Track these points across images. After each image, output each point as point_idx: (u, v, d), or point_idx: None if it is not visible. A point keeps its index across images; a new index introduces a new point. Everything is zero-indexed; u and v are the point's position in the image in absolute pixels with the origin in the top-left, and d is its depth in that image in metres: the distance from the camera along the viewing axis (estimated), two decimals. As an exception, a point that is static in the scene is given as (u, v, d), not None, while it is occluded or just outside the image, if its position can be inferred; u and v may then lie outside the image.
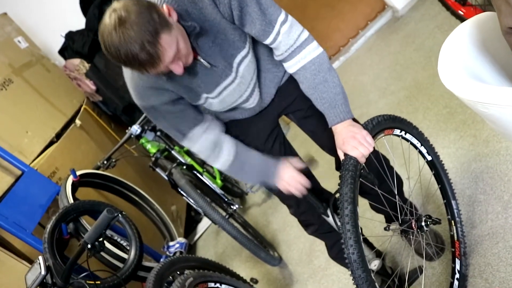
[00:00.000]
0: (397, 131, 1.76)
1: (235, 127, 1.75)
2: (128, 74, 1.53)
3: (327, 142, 1.68)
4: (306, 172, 1.74)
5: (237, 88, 1.59)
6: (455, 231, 1.87)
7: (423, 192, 2.21)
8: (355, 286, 1.41)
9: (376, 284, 1.41)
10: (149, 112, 1.60)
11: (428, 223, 1.70)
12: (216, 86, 1.56)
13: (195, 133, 1.63)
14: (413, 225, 1.69)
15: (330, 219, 1.79)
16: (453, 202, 1.91)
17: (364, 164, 1.56)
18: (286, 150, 1.85)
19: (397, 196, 1.74)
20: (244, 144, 1.71)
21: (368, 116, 1.82)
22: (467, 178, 2.18)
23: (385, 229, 1.77)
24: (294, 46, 1.53)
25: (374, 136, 1.59)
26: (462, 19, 2.95)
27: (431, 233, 1.97)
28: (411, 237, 1.76)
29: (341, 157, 1.55)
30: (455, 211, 1.91)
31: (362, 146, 1.50)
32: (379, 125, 1.64)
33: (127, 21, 1.25)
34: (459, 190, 2.13)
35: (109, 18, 1.28)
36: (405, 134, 1.79)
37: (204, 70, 1.52)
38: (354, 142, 1.50)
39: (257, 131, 1.77)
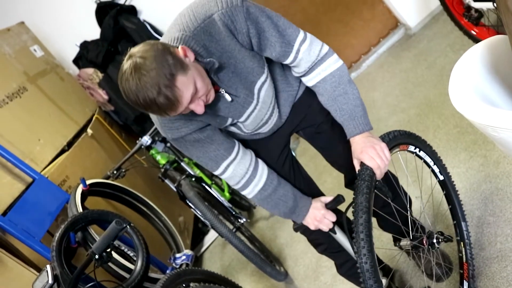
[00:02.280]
0: (411, 148, 1.76)
1: (248, 145, 1.76)
2: None
3: (338, 159, 1.69)
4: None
5: (259, 113, 1.62)
6: (464, 252, 1.86)
7: (434, 211, 2.20)
8: None
9: None
10: (179, 144, 1.59)
11: (440, 240, 1.70)
12: (242, 114, 1.58)
13: (229, 160, 1.63)
14: (424, 242, 1.69)
15: (337, 237, 1.78)
16: (463, 224, 1.90)
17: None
18: (295, 168, 1.86)
19: (409, 211, 1.74)
20: (276, 175, 1.71)
21: (378, 133, 1.82)
22: (476, 199, 2.17)
23: (395, 245, 1.76)
24: (316, 61, 1.56)
25: (390, 150, 1.59)
26: (474, 39, 2.95)
27: (439, 253, 1.96)
28: (421, 254, 1.76)
29: (357, 166, 1.55)
30: (465, 232, 1.90)
31: (379, 158, 1.50)
32: (395, 139, 1.65)
33: (142, 67, 1.27)
34: (468, 211, 2.12)
35: (126, 64, 1.30)
36: (419, 151, 1.80)
37: (226, 102, 1.53)
38: (372, 153, 1.50)
39: (269, 149, 1.78)
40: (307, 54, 1.53)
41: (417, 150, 1.78)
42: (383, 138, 1.62)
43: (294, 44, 1.50)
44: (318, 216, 1.68)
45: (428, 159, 1.84)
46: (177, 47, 1.36)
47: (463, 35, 3.03)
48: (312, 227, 1.71)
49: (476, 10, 2.75)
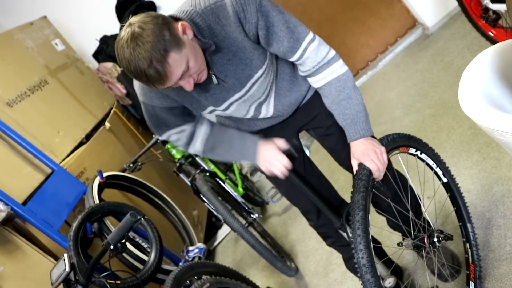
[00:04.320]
0: (412, 150, 1.81)
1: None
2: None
3: (345, 160, 1.71)
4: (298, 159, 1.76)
5: (242, 104, 1.65)
6: (470, 253, 1.87)
7: (442, 212, 2.21)
8: None
9: None
10: (145, 108, 1.65)
11: (440, 238, 1.72)
12: (224, 101, 1.61)
13: (173, 131, 1.70)
14: (425, 241, 1.72)
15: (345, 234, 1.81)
16: (468, 225, 1.92)
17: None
18: (306, 164, 1.89)
19: (410, 212, 1.76)
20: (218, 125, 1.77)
21: (392, 132, 1.86)
22: (487, 201, 2.17)
23: (398, 244, 1.79)
24: (322, 63, 1.58)
25: (389, 152, 1.65)
26: (492, 40, 2.94)
27: (447, 253, 1.98)
28: (424, 253, 1.78)
29: (355, 167, 1.60)
30: (471, 234, 1.91)
31: (379, 161, 1.56)
32: (394, 142, 1.70)
33: (138, 38, 1.31)
34: (478, 212, 2.13)
35: (124, 31, 1.34)
36: (421, 154, 1.84)
37: (212, 84, 1.56)
38: (373, 155, 1.56)
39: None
40: (314, 54, 1.56)
41: (418, 152, 1.82)
42: (381, 140, 1.66)
43: (302, 42, 1.53)
44: (269, 157, 1.64)
45: (430, 162, 1.87)
46: (178, 23, 1.39)
47: (481, 36, 3.02)
48: (264, 170, 1.68)
49: (494, 12, 2.74)
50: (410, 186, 1.90)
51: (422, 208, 1.86)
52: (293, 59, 1.57)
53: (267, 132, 1.79)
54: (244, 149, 1.68)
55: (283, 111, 1.74)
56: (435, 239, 1.71)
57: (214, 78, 1.53)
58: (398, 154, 1.75)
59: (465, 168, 2.43)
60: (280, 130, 1.78)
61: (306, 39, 1.53)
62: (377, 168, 1.56)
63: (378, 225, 2.15)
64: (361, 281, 1.42)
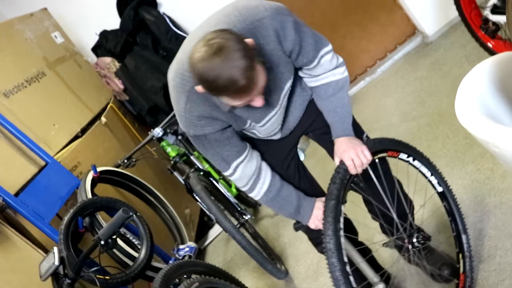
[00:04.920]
0: (403, 156, 1.83)
1: (259, 144, 1.78)
2: (180, 104, 1.51)
3: None
4: None
5: (277, 119, 1.69)
6: (462, 264, 1.88)
7: (436, 221, 2.22)
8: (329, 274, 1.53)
9: (349, 276, 1.51)
10: (199, 141, 1.61)
11: (419, 239, 1.78)
12: (264, 118, 1.64)
13: (239, 161, 1.65)
14: (405, 240, 1.77)
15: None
16: (463, 236, 1.92)
17: (360, 175, 1.72)
18: (300, 169, 1.90)
19: (393, 212, 1.79)
20: (279, 177, 1.74)
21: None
22: (480, 212, 2.18)
23: (383, 244, 1.86)
24: (330, 69, 1.66)
25: (374, 153, 1.73)
26: (490, 51, 2.95)
27: (437, 256, 2.00)
28: (407, 254, 1.82)
29: (336, 162, 1.71)
30: (465, 245, 1.91)
31: (357, 158, 1.66)
32: (381, 144, 1.77)
33: (226, 49, 1.28)
34: (470, 222, 2.13)
35: (206, 47, 1.30)
36: (413, 160, 1.86)
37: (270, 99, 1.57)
38: (353, 153, 1.66)
39: (277, 149, 1.81)
40: (328, 64, 1.63)
41: (410, 159, 1.85)
42: (366, 141, 1.75)
43: (320, 52, 1.60)
44: (319, 216, 1.71)
45: (424, 170, 1.89)
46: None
47: (479, 46, 3.03)
48: (312, 226, 1.75)
49: (494, 23, 2.75)
50: (401, 190, 1.92)
51: (407, 210, 1.88)
52: (308, 67, 1.63)
53: (273, 141, 1.80)
54: (300, 212, 1.73)
55: (296, 118, 1.78)
56: (415, 239, 1.77)
57: None
58: (388, 157, 1.82)
59: (459, 178, 2.43)
60: (286, 140, 1.82)
61: (325, 49, 1.61)
62: (354, 166, 1.65)
63: (369, 232, 2.15)
64: (327, 264, 1.52)
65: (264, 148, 1.78)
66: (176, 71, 1.50)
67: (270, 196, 1.71)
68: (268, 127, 1.68)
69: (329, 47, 1.63)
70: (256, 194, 1.71)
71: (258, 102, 1.42)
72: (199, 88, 1.38)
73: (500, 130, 1.15)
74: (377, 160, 1.76)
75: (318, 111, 1.77)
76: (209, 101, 1.49)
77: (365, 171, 1.74)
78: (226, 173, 1.68)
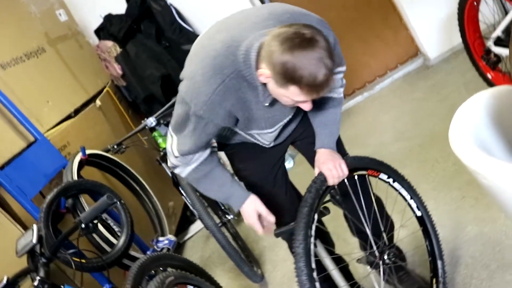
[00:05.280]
0: (384, 176, 1.86)
1: (250, 148, 1.78)
2: (212, 83, 1.44)
3: None
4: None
5: (284, 127, 1.71)
6: (435, 288, 1.89)
7: (413, 243, 2.23)
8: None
9: (315, 282, 1.54)
10: (197, 122, 1.51)
11: (391, 255, 1.81)
12: (277, 123, 1.65)
13: (197, 154, 1.61)
14: (377, 256, 1.80)
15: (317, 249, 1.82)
16: (438, 262, 1.93)
17: (336, 187, 1.76)
18: (286, 176, 1.93)
19: (367, 229, 1.81)
20: (217, 158, 1.73)
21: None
22: (460, 239, 2.20)
23: (357, 260, 1.87)
24: (335, 87, 1.69)
25: (354, 170, 1.77)
26: (489, 82, 2.98)
27: (411, 278, 2.01)
28: (378, 269, 1.83)
29: (316, 173, 1.74)
30: (439, 270, 1.92)
31: (335, 169, 1.69)
32: (361, 162, 1.81)
33: (318, 42, 1.30)
34: (449, 248, 2.15)
35: (296, 35, 1.30)
36: (393, 182, 1.88)
37: (277, 107, 1.56)
38: (330, 164, 1.70)
39: (268, 155, 1.82)
40: (337, 81, 1.68)
41: (390, 180, 1.88)
42: (346, 157, 1.81)
43: (338, 68, 1.64)
44: (248, 209, 1.66)
45: (404, 193, 1.91)
46: None
47: (479, 76, 3.05)
48: (244, 219, 1.71)
49: (495, 55, 2.78)
50: (380, 208, 1.93)
51: (381, 228, 1.89)
52: None
53: (266, 149, 1.80)
54: (231, 198, 1.68)
55: (291, 130, 1.81)
56: (386, 256, 1.80)
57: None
58: (367, 176, 1.85)
59: (444, 203, 2.45)
60: (277, 148, 1.82)
61: (341, 69, 1.67)
62: (332, 176, 1.69)
63: (350, 246, 2.16)
64: (294, 269, 1.55)
65: (256, 154, 1.78)
66: (225, 51, 1.43)
67: (202, 174, 1.65)
68: (274, 134, 1.70)
69: (344, 68, 1.68)
70: (181, 171, 1.66)
71: (308, 106, 1.44)
72: (265, 73, 1.36)
73: (490, 162, 1.16)
74: (356, 177, 1.79)
75: (309, 122, 1.80)
76: (238, 94, 1.47)
77: (344, 186, 1.77)
78: (177, 154, 1.61)
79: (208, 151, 1.63)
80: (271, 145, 1.78)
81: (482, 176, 1.19)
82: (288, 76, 1.31)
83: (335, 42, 1.56)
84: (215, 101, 1.44)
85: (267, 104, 1.51)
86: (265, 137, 1.71)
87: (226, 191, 1.67)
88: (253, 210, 1.66)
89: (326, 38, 1.33)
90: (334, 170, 1.69)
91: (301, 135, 1.85)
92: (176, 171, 1.68)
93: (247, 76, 1.43)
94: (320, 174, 1.72)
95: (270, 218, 1.67)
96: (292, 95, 1.37)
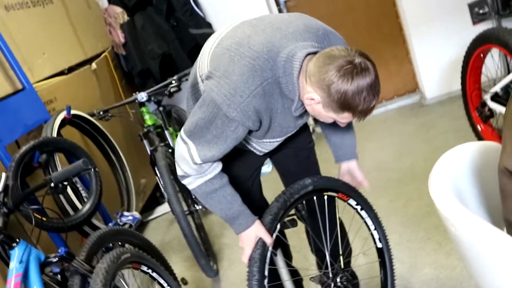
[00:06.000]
0: (352, 202, 1.89)
1: (236, 154, 1.72)
2: (251, 85, 1.39)
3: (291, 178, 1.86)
4: None
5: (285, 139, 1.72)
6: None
7: (370, 272, 2.25)
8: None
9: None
10: (227, 126, 1.43)
11: (343, 279, 1.83)
12: (288, 134, 1.66)
13: (213, 167, 1.54)
14: (330, 277, 1.83)
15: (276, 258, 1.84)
16: None
17: (304, 202, 1.80)
18: (260, 185, 1.94)
19: (326, 249, 1.84)
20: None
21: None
22: (416, 278, 2.23)
23: (310, 277, 1.90)
24: None
25: (324, 190, 1.80)
26: (478, 134, 3.03)
27: None
28: None
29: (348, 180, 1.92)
30: (388, 304, 1.95)
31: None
32: (333, 183, 1.84)
33: (375, 76, 1.34)
34: (403, 285, 2.19)
35: (352, 65, 1.31)
36: (361, 210, 1.92)
37: (294, 120, 1.57)
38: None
39: (252, 162, 1.82)
40: None
41: (358, 207, 1.91)
42: (321, 177, 1.82)
43: None
44: (252, 241, 1.62)
45: (369, 222, 1.94)
46: None
47: (469, 126, 3.10)
48: (240, 244, 1.68)
49: (490, 109, 2.82)
50: (342, 232, 1.97)
51: (340, 251, 1.91)
52: None
53: (253, 155, 1.77)
54: (236, 220, 1.61)
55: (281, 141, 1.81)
56: (339, 279, 1.82)
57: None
58: (337, 199, 1.89)
59: (408, 241, 2.48)
60: (262, 156, 1.80)
61: None
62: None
63: (307, 263, 2.17)
64: (247, 272, 1.57)
65: (242, 159, 1.76)
66: (265, 54, 1.40)
67: (212, 188, 1.56)
68: (279, 143, 1.70)
69: None
70: (189, 182, 1.58)
71: (344, 123, 1.47)
72: (316, 98, 1.36)
73: (463, 212, 1.18)
74: (325, 197, 1.81)
75: (296, 133, 1.78)
76: (269, 100, 1.44)
77: (312, 203, 1.79)
78: (199, 166, 1.51)
79: (221, 164, 1.57)
80: (262, 153, 1.75)
81: (451, 223, 1.20)
82: (345, 104, 1.33)
83: None
84: (250, 103, 1.40)
85: (296, 115, 1.52)
86: (267, 146, 1.69)
87: (235, 210, 1.59)
88: (255, 236, 1.60)
89: (373, 63, 1.36)
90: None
91: (284, 144, 1.83)
92: (185, 181, 1.57)
93: (283, 84, 1.42)
94: (291, 186, 1.73)
95: (268, 240, 1.62)
96: (342, 119, 1.40)
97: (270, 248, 1.62)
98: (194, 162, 1.49)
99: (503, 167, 1.20)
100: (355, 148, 1.94)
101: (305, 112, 1.54)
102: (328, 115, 1.41)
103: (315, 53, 1.40)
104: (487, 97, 2.78)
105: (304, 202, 1.80)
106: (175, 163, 1.58)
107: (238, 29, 1.51)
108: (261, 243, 1.60)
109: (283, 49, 1.40)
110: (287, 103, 1.48)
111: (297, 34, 1.44)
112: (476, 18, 3.77)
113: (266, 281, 1.59)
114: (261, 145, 1.69)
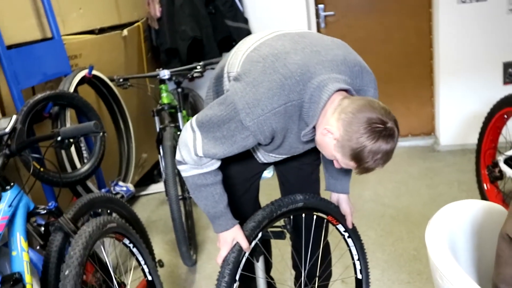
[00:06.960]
0: (341, 228, 1.89)
1: (241, 154, 1.67)
2: (275, 102, 1.38)
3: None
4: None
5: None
6: None
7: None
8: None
9: None
10: (239, 132, 1.42)
11: None
12: (294, 154, 1.67)
13: (211, 163, 1.53)
14: None
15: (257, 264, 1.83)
16: None
17: (290, 218, 1.81)
18: (257, 193, 1.94)
19: (303, 268, 1.85)
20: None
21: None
22: (387, 318, 2.22)
23: None
24: None
25: (316, 210, 1.81)
26: (482, 192, 3.01)
27: None
28: None
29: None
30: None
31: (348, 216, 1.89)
32: (326, 205, 1.84)
33: (395, 142, 1.37)
34: (374, 322, 2.17)
35: (381, 127, 1.33)
36: (348, 237, 1.91)
37: (304, 145, 1.58)
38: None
39: (252, 167, 1.80)
40: None
41: (346, 234, 1.91)
42: (315, 196, 1.82)
43: None
44: (228, 243, 1.61)
45: (354, 251, 1.93)
46: None
47: (476, 182, 3.08)
48: (218, 245, 1.66)
49: (500, 171, 2.80)
50: (324, 255, 1.96)
51: (317, 273, 1.91)
52: None
53: (254, 161, 1.76)
54: (217, 219, 1.60)
55: None
56: None
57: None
58: (327, 222, 1.89)
59: (388, 279, 2.47)
60: (263, 164, 1.79)
61: None
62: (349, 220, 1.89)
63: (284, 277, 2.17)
64: (218, 273, 1.57)
65: (244, 161, 1.74)
66: (298, 76, 1.39)
67: (204, 182, 1.55)
68: (282, 159, 1.71)
69: None
70: (185, 169, 1.55)
71: (340, 167, 1.46)
72: (335, 134, 1.36)
73: (453, 267, 1.18)
74: (315, 216, 1.81)
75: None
76: (287, 121, 1.43)
77: (299, 220, 1.80)
78: (199, 158, 1.50)
79: (220, 163, 1.55)
80: (263, 162, 1.76)
81: (439, 275, 1.20)
82: (357, 156, 1.34)
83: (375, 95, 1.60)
84: (268, 119, 1.39)
85: (303, 141, 1.51)
86: (271, 159, 1.70)
87: (218, 210, 1.59)
88: (231, 239, 1.60)
89: (398, 134, 1.38)
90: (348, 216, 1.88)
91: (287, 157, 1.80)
92: (181, 167, 1.55)
93: (305, 109, 1.41)
94: (280, 199, 1.73)
95: (244, 245, 1.61)
96: (344, 164, 1.40)
97: (247, 254, 1.61)
98: (195, 153, 1.48)
99: (504, 233, 1.19)
100: (349, 183, 1.90)
101: (312, 140, 1.53)
102: (333, 153, 1.40)
103: (346, 90, 1.42)
104: (500, 158, 2.76)
105: (291, 217, 1.79)
106: (177, 147, 1.57)
107: (279, 41, 1.50)
108: (238, 247, 1.59)
109: (316, 76, 1.39)
110: (302, 126, 1.48)
111: (333, 64, 1.44)
112: (508, 79, 3.76)
113: (236, 285, 1.57)
114: (266, 157, 1.69)
